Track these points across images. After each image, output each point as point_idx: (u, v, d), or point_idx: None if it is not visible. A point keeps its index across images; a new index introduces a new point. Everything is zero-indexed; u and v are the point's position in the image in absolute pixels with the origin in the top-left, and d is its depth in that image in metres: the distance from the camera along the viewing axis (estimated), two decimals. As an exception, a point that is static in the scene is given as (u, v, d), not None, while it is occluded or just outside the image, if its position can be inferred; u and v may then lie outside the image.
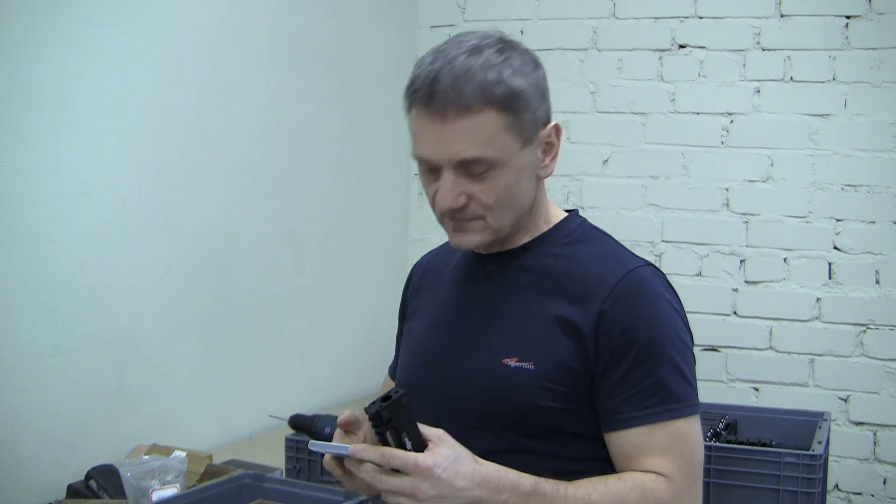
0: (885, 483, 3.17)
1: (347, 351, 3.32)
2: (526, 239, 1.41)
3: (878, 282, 3.16)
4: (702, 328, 3.28)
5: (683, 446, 1.30)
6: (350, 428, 1.30)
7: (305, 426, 2.42)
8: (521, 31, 3.56)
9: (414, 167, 1.69)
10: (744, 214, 3.31)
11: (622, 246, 1.43)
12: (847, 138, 3.17)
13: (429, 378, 1.41)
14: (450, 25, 3.68)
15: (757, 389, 3.31)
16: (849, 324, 3.19)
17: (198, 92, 2.63)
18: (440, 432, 1.21)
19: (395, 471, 1.17)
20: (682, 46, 3.36)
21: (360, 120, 3.33)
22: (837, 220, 3.20)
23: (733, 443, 2.42)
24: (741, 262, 3.31)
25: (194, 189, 2.63)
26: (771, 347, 3.29)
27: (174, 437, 2.47)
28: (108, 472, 2.12)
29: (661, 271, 1.40)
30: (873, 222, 3.16)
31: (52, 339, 2.21)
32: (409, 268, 1.63)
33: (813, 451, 2.22)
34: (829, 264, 3.21)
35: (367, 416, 1.19)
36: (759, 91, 3.27)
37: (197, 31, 2.62)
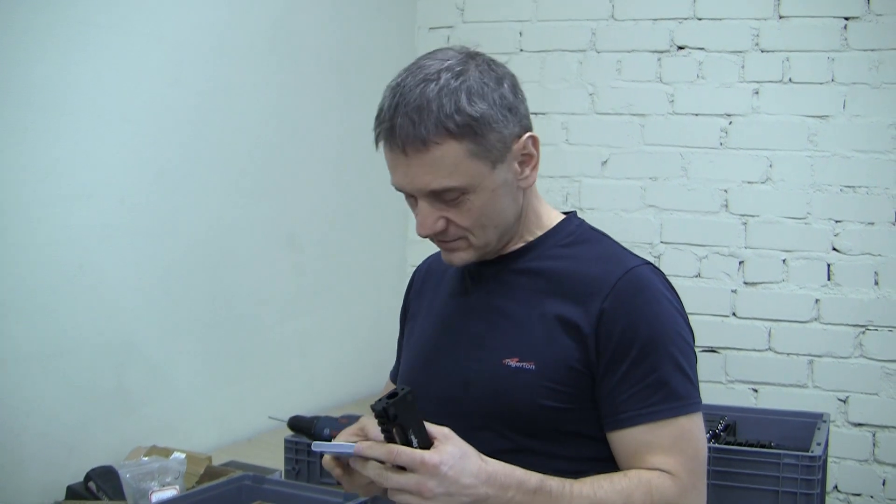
0: (884, 484, 3.17)
1: (347, 352, 3.32)
2: (520, 244, 1.42)
3: (877, 283, 3.16)
4: (701, 329, 3.24)
5: (687, 443, 1.30)
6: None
7: (305, 428, 2.43)
8: (520, 33, 3.57)
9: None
10: (743, 216, 3.31)
11: (621, 246, 1.44)
12: (846, 139, 3.17)
13: (430, 379, 1.42)
14: (448, 27, 3.68)
15: (756, 391, 3.31)
16: (848, 325, 3.19)
17: (197, 93, 2.63)
18: (446, 430, 1.21)
19: (401, 469, 1.17)
20: (680, 48, 3.36)
21: (360, 121, 3.30)
22: (836, 222, 3.20)
23: (732, 444, 2.42)
24: (740, 263, 3.32)
25: (194, 190, 2.63)
26: (770, 348, 3.29)
27: (173, 439, 2.47)
28: (107, 474, 2.13)
29: (660, 270, 1.41)
30: (872, 223, 3.16)
31: (51, 341, 2.21)
32: (409, 269, 1.63)
33: (812, 452, 2.22)
34: (828, 265, 3.21)
35: (373, 414, 1.19)
36: (757, 92, 3.27)
37: (196, 32, 2.62)
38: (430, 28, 3.71)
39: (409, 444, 1.18)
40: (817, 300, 3.22)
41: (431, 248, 1.42)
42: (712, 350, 3.34)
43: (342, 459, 1.27)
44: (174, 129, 2.56)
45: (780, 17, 3.23)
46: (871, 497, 3.18)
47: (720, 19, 3.31)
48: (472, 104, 1.27)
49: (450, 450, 1.18)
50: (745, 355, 3.32)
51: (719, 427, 2.48)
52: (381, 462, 1.19)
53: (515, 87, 1.34)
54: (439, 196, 1.30)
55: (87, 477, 2.15)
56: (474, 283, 1.44)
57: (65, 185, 2.24)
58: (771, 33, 3.24)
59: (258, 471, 2.19)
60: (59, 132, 2.21)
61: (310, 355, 3.14)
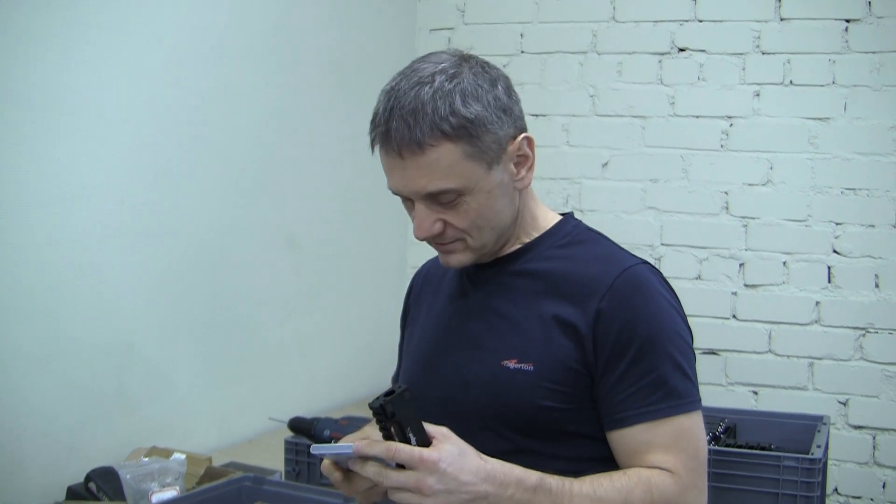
0: (884, 487, 3.16)
1: (347, 353, 3.32)
2: (517, 246, 1.43)
3: (877, 285, 3.16)
4: (701, 331, 3.25)
5: (687, 442, 1.30)
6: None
7: (305, 429, 2.43)
8: (521, 34, 3.57)
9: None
10: (743, 218, 3.31)
11: (618, 246, 1.44)
12: (847, 142, 3.17)
13: (431, 382, 1.42)
14: (449, 28, 3.68)
15: (756, 393, 3.31)
16: (848, 327, 3.19)
17: (197, 95, 2.63)
18: (444, 430, 1.22)
19: (401, 467, 1.17)
20: (681, 50, 3.36)
21: (360, 123, 3.30)
22: (837, 224, 3.20)
23: (732, 446, 2.42)
24: (740, 265, 3.32)
25: (193, 192, 2.63)
26: (770, 351, 3.29)
27: (174, 440, 2.47)
28: (107, 475, 2.13)
29: (657, 269, 1.41)
30: (873, 226, 3.16)
31: (51, 342, 2.22)
32: (409, 270, 1.64)
33: (812, 454, 2.22)
34: (829, 268, 3.21)
35: (371, 412, 1.19)
36: (758, 94, 3.27)
37: (196, 34, 2.63)
38: (431, 30, 3.71)
39: (407, 442, 1.18)
40: (818, 302, 3.22)
41: (431, 250, 1.42)
42: (712, 352, 3.34)
43: (341, 463, 1.27)
44: (174, 129, 2.56)
45: (781, 20, 3.23)
46: (871, 500, 3.18)
47: (721, 21, 3.31)
48: (466, 106, 1.27)
49: (448, 447, 1.19)
50: (745, 357, 3.32)
51: (719, 429, 2.48)
52: (381, 462, 1.19)
53: (509, 89, 1.35)
54: (436, 198, 1.31)
55: (88, 478, 2.15)
56: (472, 285, 1.45)
57: (65, 185, 2.24)
58: (772, 35, 3.25)
59: (258, 472, 2.19)
60: (59, 133, 2.22)
61: (310, 356, 3.14)
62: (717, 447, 2.32)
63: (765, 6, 3.25)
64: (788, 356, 3.26)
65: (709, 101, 3.33)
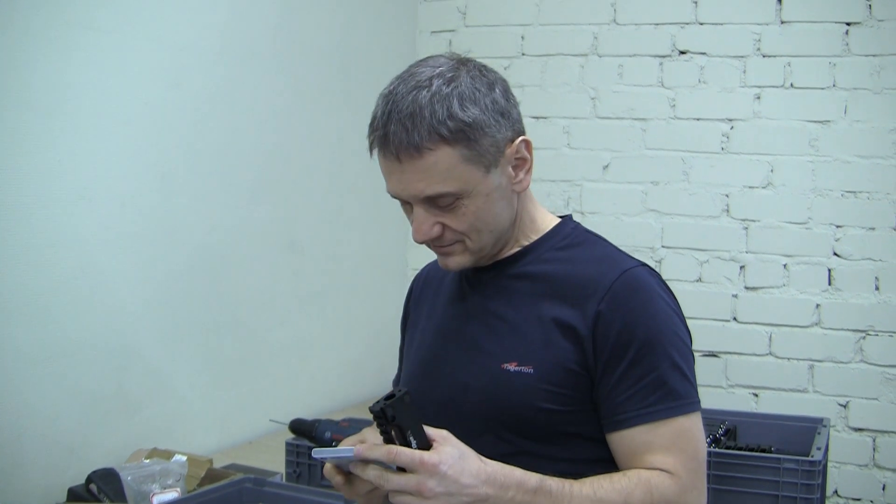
0: (884, 489, 3.17)
1: (348, 355, 3.32)
2: (516, 249, 1.43)
3: (877, 288, 3.16)
4: (702, 334, 3.28)
5: (686, 443, 1.31)
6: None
7: (306, 431, 2.43)
8: (522, 37, 3.57)
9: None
10: (744, 220, 3.31)
11: (617, 248, 1.44)
12: (847, 145, 3.18)
13: (431, 386, 1.43)
14: (450, 31, 3.69)
15: (756, 395, 3.31)
16: (848, 330, 3.19)
17: (198, 97, 2.64)
18: (444, 433, 1.22)
19: (402, 470, 1.18)
20: (682, 52, 3.37)
21: (361, 126, 3.30)
22: (837, 227, 3.20)
23: (733, 448, 2.42)
24: (741, 267, 3.32)
25: (194, 194, 2.63)
26: (770, 353, 3.29)
27: (175, 441, 2.48)
28: (108, 476, 2.13)
29: (656, 271, 1.41)
30: (873, 229, 3.16)
31: (52, 344, 2.22)
32: (410, 272, 1.64)
33: (812, 457, 2.22)
34: (829, 270, 3.21)
35: (371, 416, 1.20)
36: (759, 97, 3.28)
37: (198, 36, 2.63)
38: (432, 32, 3.72)
39: (407, 445, 1.18)
40: (818, 305, 3.22)
41: (432, 252, 1.43)
42: (713, 354, 3.34)
43: (343, 466, 1.27)
44: (175, 132, 2.56)
45: (782, 23, 3.24)
46: (871, 502, 3.18)
47: (722, 24, 3.31)
48: (464, 109, 1.28)
49: (449, 450, 1.19)
50: (745, 360, 3.32)
51: (720, 431, 2.48)
52: (382, 465, 1.19)
53: (507, 92, 1.35)
54: (434, 202, 1.31)
55: (89, 479, 2.15)
56: (472, 288, 1.45)
57: (66, 187, 2.24)
58: (772, 38, 3.25)
59: (259, 473, 2.20)
60: (60, 135, 2.22)
61: (311, 358, 3.15)
62: (717, 449, 2.32)
63: (765, 9, 3.25)
64: (789, 358, 3.27)
65: (709, 103, 3.33)
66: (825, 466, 2.36)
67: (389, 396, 1.18)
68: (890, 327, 3.15)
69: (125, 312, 2.42)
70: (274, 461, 2.45)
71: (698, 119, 3.36)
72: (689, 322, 1.40)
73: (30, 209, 2.16)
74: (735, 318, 3.33)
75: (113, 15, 2.34)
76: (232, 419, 2.79)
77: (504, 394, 1.34)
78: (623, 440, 1.31)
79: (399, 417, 1.18)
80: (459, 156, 1.28)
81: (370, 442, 1.25)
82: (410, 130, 1.26)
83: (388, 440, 1.19)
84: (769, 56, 3.26)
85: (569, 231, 1.45)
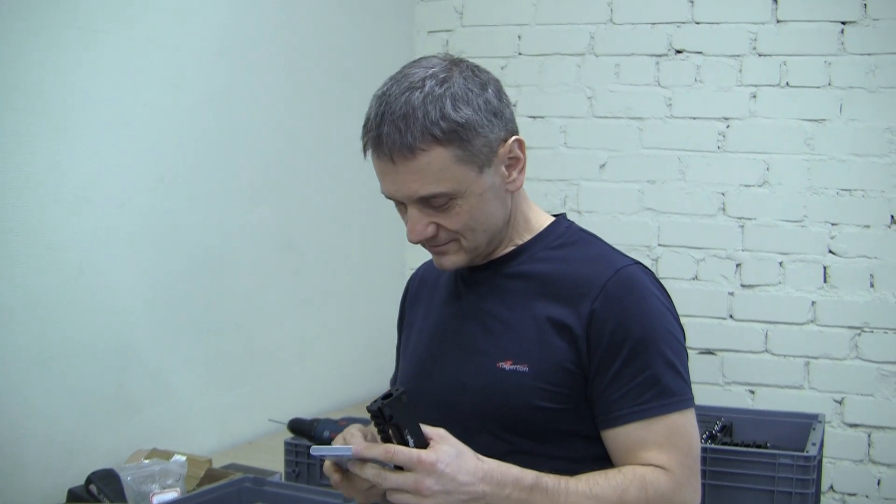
0: (879, 484, 3.18)
1: (346, 355, 3.33)
2: (510, 248, 1.44)
3: (872, 285, 3.18)
4: (698, 331, 3.29)
5: (680, 439, 1.32)
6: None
7: (305, 430, 2.44)
8: (519, 36, 3.58)
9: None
10: (740, 218, 3.32)
11: (611, 246, 1.45)
12: (842, 143, 3.19)
13: (428, 386, 1.44)
14: (447, 31, 3.69)
15: (752, 392, 3.33)
16: (843, 327, 3.20)
17: (198, 98, 2.64)
18: (441, 431, 1.23)
19: (399, 469, 1.19)
20: (678, 51, 3.38)
21: (358, 126, 3.32)
22: (833, 225, 3.21)
23: (729, 445, 2.44)
24: (737, 265, 3.33)
25: (194, 195, 2.64)
26: (766, 350, 3.30)
27: (174, 442, 2.48)
28: (108, 477, 2.13)
29: (649, 269, 1.42)
30: (868, 226, 3.17)
31: (52, 344, 2.22)
32: (408, 272, 1.65)
33: (807, 452, 2.24)
34: (825, 268, 3.23)
35: (369, 415, 1.21)
36: (755, 96, 3.29)
37: (197, 37, 2.63)
38: (429, 32, 3.72)
39: (405, 444, 1.20)
40: (813, 302, 3.24)
41: (429, 254, 1.44)
42: (709, 352, 3.35)
43: (341, 464, 1.28)
44: (175, 133, 2.57)
45: (778, 22, 3.25)
46: (867, 497, 3.20)
47: (718, 23, 3.32)
48: (456, 110, 1.28)
49: (446, 449, 1.20)
50: (741, 357, 3.33)
51: (716, 428, 2.49)
52: (380, 463, 1.20)
53: (500, 92, 1.36)
54: (428, 202, 1.32)
55: (88, 480, 2.16)
56: (467, 288, 1.46)
57: (65, 188, 2.25)
58: (768, 37, 3.26)
59: (258, 473, 2.20)
60: (60, 136, 2.22)
61: (309, 358, 3.15)
62: (713, 445, 2.34)
63: (761, 8, 3.26)
64: (785, 355, 3.28)
65: (706, 102, 3.34)
66: (820, 462, 2.37)
67: (387, 396, 1.19)
68: (885, 324, 3.16)
69: (125, 312, 2.43)
70: (273, 461, 2.46)
71: (694, 118, 3.37)
72: (685, 320, 1.41)
73: (30, 210, 2.17)
74: (731, 316, 3.34)
75: (113, 16, 2.35)
76: (231, 419, 2.80)
77: (500, 393, 1.35)
78: (618, 437, 1.33)
79: (396, 417, 1.19)
80: (452, 156, 1.29)
81: (359, 437, 1.26)
82: (403, 131, 1.27)
83: (386, 439, 1.20)
84: (765, 55, 3.27)
85: (563, 230, 1.46)
